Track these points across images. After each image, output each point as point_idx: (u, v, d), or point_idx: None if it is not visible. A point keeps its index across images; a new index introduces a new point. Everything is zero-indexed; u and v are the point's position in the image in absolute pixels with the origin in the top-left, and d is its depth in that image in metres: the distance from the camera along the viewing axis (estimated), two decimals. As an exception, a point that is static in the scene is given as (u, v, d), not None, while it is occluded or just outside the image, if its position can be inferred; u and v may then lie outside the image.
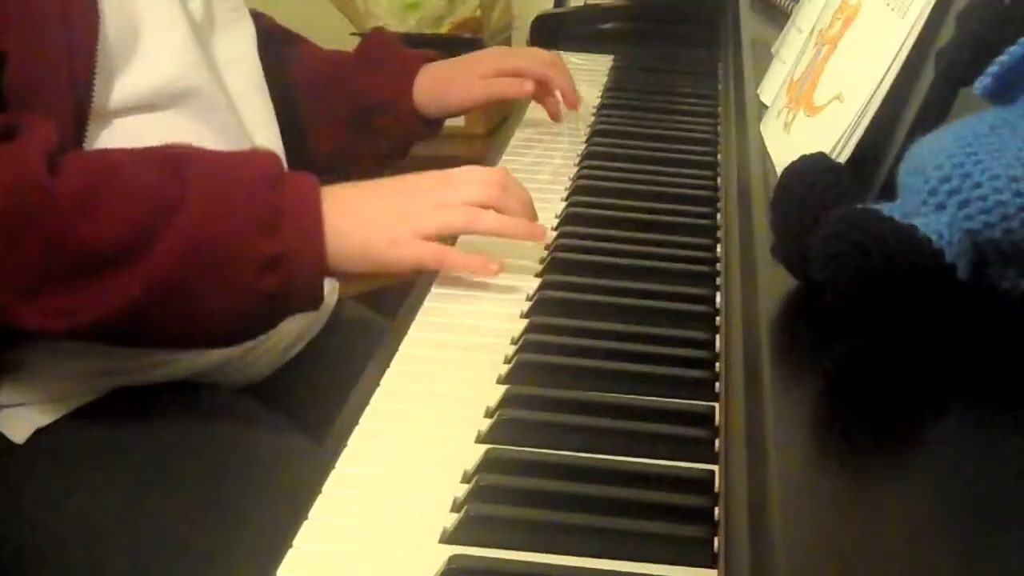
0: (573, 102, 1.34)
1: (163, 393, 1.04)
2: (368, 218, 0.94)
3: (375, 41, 1.34)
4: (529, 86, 1.31)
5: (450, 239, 0.98)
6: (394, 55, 1.31)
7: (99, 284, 0.88)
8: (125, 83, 0.96)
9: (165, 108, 0.99)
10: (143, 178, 0.90)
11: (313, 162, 1.27)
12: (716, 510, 0.71)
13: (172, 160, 0.91)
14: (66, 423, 1.00)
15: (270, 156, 0.96)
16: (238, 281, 0.89)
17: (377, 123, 1.31)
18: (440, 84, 1.30)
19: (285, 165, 1.04)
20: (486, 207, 0.95)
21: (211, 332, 0.94)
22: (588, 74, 1.56)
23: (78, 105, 0.92)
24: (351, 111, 1.31)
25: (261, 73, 1.12)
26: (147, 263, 0.87)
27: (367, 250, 0.93)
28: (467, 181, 0.96)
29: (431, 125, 1.33)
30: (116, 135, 0.96)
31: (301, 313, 0.96)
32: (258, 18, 1.20)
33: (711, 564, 0.68)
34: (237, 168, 0.93)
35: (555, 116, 1.35)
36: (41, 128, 0.88)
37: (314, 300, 0.94)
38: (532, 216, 0.99)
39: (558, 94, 1.34)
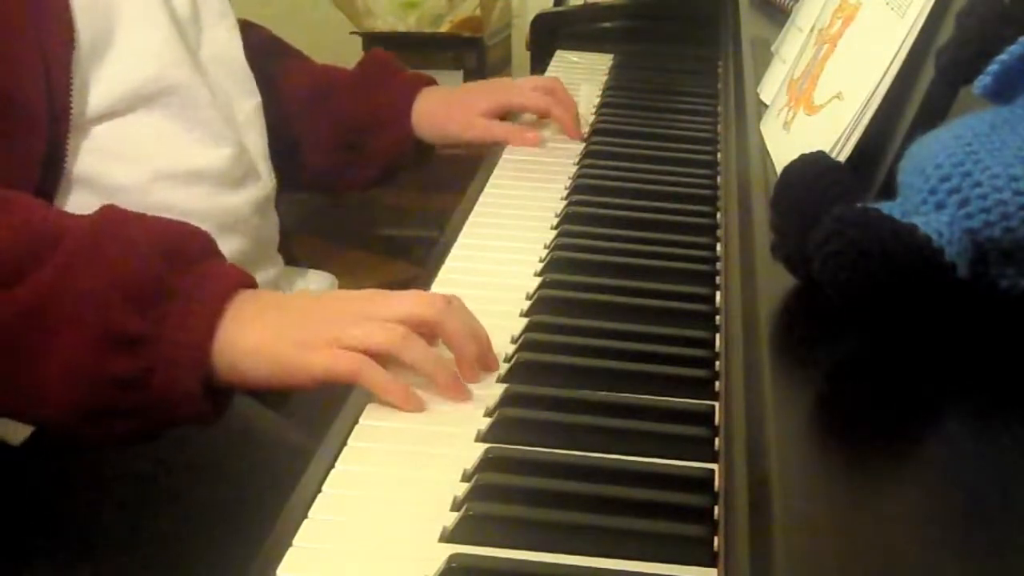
0: (573, 135, 1.30)
1: None
2: (284, 318, 0.79)
3: (375, 60, 1.31)
4: (533, 137, 1.27)
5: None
6: (394, 76, 1.28)
7: None
8: (103, 86, 0.92)
9: (147, 108, 0.96)
10: (48, 213, 0.81)
11: (300, 180, 1.24)
12: (716, 509, 0.70)
13: (103, 212, 0.81)
14: None
15: (195, 232, 0.83)
16: (82, 351, 0.76)
17: (370, 144, 1.26)
18: (439, 113, 1.27)
19: (269, 175, 1.00)
20: (425, 326, 0.80)
21: (44, 411, 0.80)
22: (588, 72, 1.55)
23: (54, 114, 0.88)
24: (344, 130, 1.27)
25: (250, 74, 1.08)
26: (7, 297, 0.76)
27: (276, 350, 0.78)
28: (407, 297, 0.82)
29: (424, 151, 1.29)
30: (97, 145, 0.93)
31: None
32: (252, 30, 1.16)
33: (711, 563, 0.67)
34: (144, 228, 0.80)
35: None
36: None
37: (193, 406, 0.78)
38: (483, 346, 0.83)
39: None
